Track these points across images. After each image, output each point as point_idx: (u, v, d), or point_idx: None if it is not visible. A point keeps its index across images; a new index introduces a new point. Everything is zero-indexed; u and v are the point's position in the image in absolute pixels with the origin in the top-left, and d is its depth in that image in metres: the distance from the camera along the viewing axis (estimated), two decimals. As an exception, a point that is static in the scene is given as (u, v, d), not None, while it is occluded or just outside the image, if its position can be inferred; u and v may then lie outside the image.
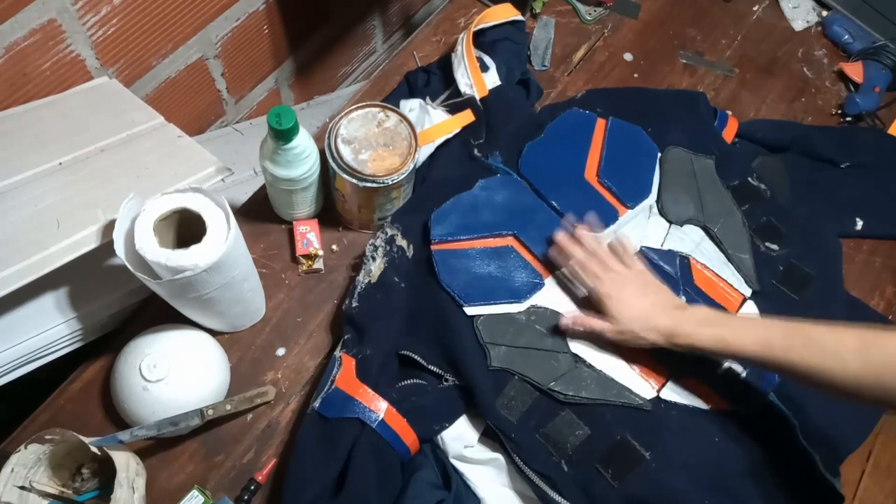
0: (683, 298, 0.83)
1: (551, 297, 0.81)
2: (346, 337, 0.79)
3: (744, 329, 0.68)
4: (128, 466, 0.67)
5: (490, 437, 0.77)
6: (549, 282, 0.82)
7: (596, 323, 0.75)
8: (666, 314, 0.72)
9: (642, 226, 0.89)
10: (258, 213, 0.88)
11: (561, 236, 0.80)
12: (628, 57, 1.09)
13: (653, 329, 0.71)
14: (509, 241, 0.84)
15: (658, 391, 0.77)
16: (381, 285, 0.80)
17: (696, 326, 0.70)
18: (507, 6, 1.00)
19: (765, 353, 0.65)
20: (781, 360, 0.64)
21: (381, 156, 0.76)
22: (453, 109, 0.91)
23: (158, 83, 0.98)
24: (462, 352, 0.76)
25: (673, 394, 0.77)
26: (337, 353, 0.77)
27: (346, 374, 0.74)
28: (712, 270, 0.87)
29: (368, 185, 0.76)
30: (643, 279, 0.77)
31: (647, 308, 0.73)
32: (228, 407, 0.73)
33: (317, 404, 0.73)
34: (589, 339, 0.77)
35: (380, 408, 0.72)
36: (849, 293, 0.93)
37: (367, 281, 0.80)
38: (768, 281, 0.89)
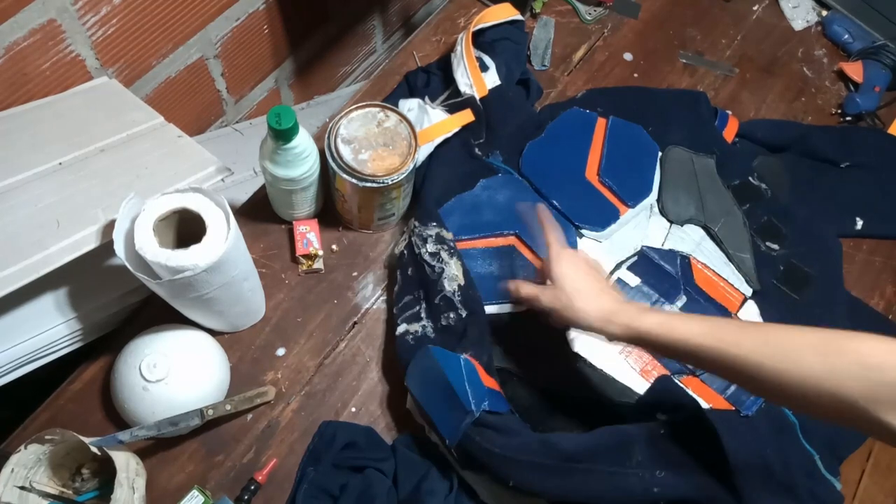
0: (684, 298, 0.83)
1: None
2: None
3: (693, 320, 0.60)
4: (128, 466, 0.67)
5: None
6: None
7: (531, 288, 0.70)
8: (611, 297, 0.66)
9: (643, 225, 0.89)
10: (258, 213, 0.88)
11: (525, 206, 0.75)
12: (628, 57, 1.09)
13: (593, 306, 0.65)
14: (511, 240, 0.84)
15: (658, 391, 0.77)
16: None
17: (640, 311, 0.63)
18: (507, 6, 1.00)
19: (712, 345, 0.57)
20: (729, 355, 0.56)
21: (380, 156, 0.76)
22: (453, 109, 0.91)
23: (158, 83, 0.97)
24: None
25: (673, 393, 0.77)
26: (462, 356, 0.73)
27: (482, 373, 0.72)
28: (713, 270, 0.87)
29: (368, 184, 0.76)
30: (600, 270, 0.72)
31: (593, 285, 0.67)
32: (228, 407, 0.73)
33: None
34: (533, 307, 0.71)
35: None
36: (849, 293, 0.93)
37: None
38: (769, 280, 0.89)
